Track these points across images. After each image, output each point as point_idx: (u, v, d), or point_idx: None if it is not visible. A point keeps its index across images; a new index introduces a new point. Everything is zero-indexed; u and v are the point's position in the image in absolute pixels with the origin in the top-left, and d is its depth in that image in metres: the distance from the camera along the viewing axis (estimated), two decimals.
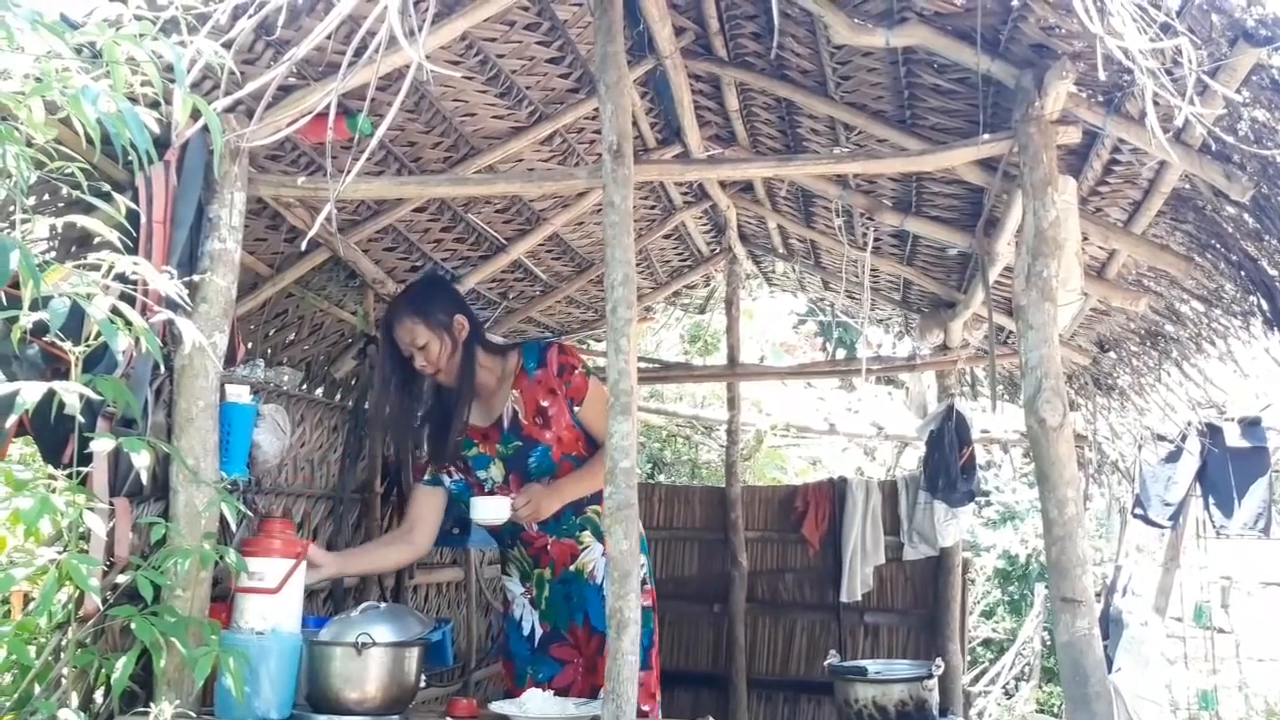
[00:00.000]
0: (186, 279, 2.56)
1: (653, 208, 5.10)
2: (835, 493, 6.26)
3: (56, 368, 2.40)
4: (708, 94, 4.12)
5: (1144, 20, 2.15)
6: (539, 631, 3.39)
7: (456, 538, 4.37)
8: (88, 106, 1.94)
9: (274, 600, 2.71)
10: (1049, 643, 9.29)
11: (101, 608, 2.38)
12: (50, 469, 2.36)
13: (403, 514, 4.32)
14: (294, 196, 3.30)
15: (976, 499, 5.94)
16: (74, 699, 2.46)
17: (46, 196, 2.70)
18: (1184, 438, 6.56)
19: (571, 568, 3.33)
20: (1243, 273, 3.30)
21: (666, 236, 5.47)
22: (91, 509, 2.21)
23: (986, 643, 10.37)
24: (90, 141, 2.05)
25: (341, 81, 2.22)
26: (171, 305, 2.39)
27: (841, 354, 12.31)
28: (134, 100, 2.13)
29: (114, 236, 2.21)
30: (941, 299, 5.09)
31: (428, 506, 3.41)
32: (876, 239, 4.65)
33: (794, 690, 6.21)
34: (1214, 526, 6.91)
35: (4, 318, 2.09)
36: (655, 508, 6.50)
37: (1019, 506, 11.07)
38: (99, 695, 2.57)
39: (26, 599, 3.01)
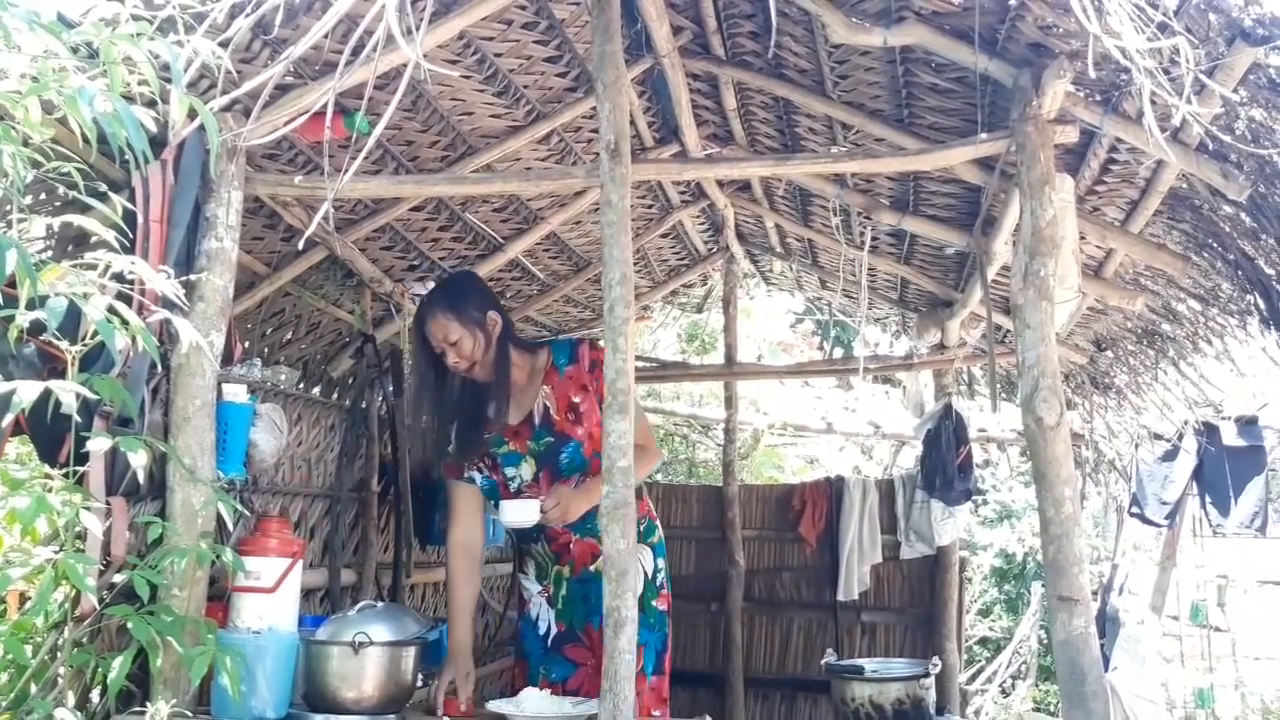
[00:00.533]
0: (183, 278, 2.55)
1: (650, 207, 5.10)
2: (832, 491, 6.27)
3: (53, 367, 2.40)
4: (705, 93, 4.12)
5: (1141, 19, 2.15)
6: (554, 630, 3.37)
7: None
8: (84, 106, 1.94)
9: (270, 599, 2.71)
10: (1045, 641, 9.29)
11: (98, 607, 2.37)
12: (47, 468, 2.36)
13: (402, 508, 4.35)
14: (291, 195, 3.29)
15: (973, 498, 5.95)
16: (70, 698, 2.46)
17: (43, 196, 2.70)
18: (1181, 436, 6.57)
19: (591, 568, 3.31)
20: (1240, 272, 3.30)
21: (664, 235, 5.47)
22: (88, 508, 2.21)
23: (983, 641, 10.37)
24: (87, 141, 2.05)
25: (339, 80, 2.22)
26: (168, 304, 2.39)
27: (839, 353, 12.32)
28: (130, 99, 2.13)
29: (111, 236, 2.20)
30: (939, 298, 5.09)
31: (473, 504, 3.37)
32: (874, 238, 4.66)
33: (791, 689, 6.22)
34: (1210, 525, 6.92)
35: (0, 317, 2.09)
36: (653, 507, 6.49)
37: (1015, 505, 11.06)
38: (95, 694, 2.56)
39: (22, 598, 3.01)
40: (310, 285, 4.02)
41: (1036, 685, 9.35)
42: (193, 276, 2.67)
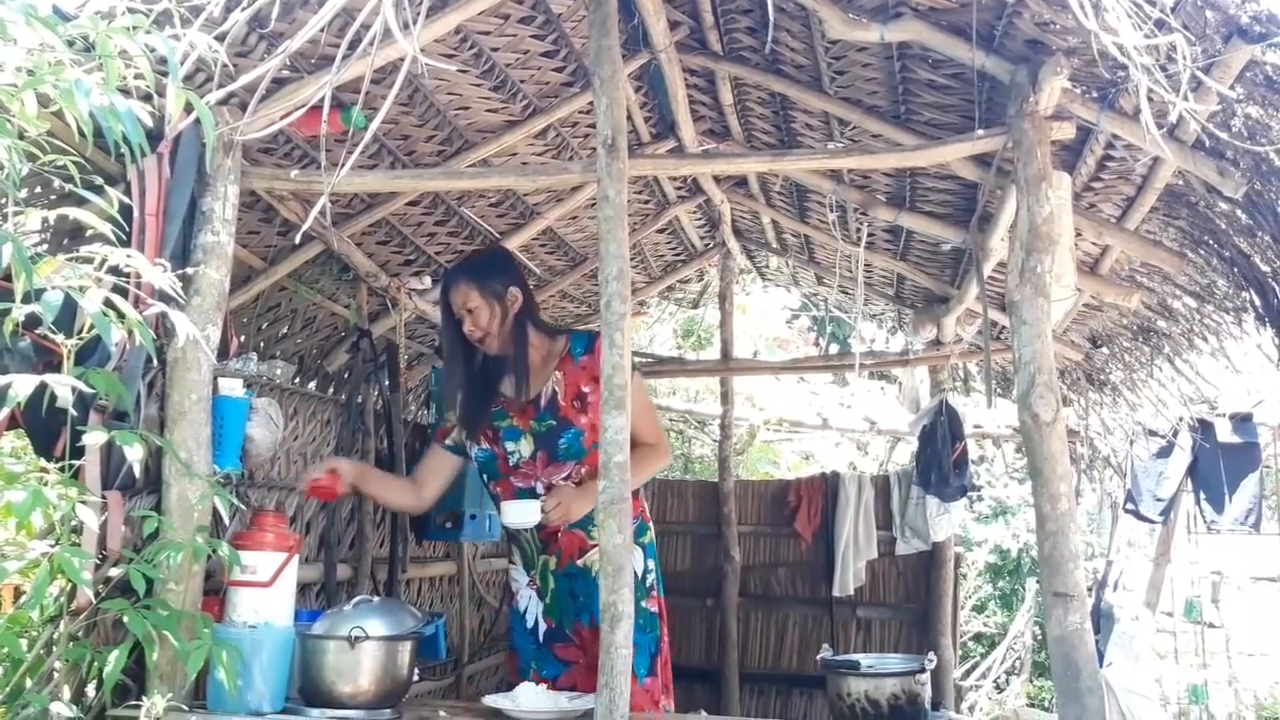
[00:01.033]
0: (179, 272, 2.55)
1: (646, 202, 5.10)
2: (828, 487, 6.28)
3: (48, 360, 2.39)
4: (702, 88, 4.12)
5: (1138, 16, 2.15)
6: (543, 626, 3.37)
7: (450, 531, 4.38)
8: (80, 100, 1.93)
9: (266, 594, 2.71)
10: (1040, 637, 9.31)
11: (94, 601, 2.37)
12: (42, 462, 2.36)
13: (393, 512, 4.34)
14: (287, 190, 3.29)
15: (968, 494, 5.96)
16: (66, 692, 2.46)
17: (38, 189, 2.69)
18: (1175, 433, 6.59)
19: (579, 562, 3.31)
20: (1235, 269, 3.31)
21: (660, 231, 5.47)
22: (84, 502, 2.20)
23: (977, 637, 10.39)
24: (83, 134, 2.04)
25: (336, 74, 2.22)
26: (165, 298, 2.38)
27: (835, 349, 12.33)
28: (126, 93, 2.13)
29: (107, 229, 2.20)
30: (935, 294, 5.10)
31: (440, 468, 3.50)
32: (870, 234, 4.66)
33: (786, 684, 6.23)
34: (1205, 522, 6.94)
35: None
36: (649, 502, 6.49)
37: (1010, 501, 11.08)
38: (91, 689, 2.56)
39: (17, 592, 3.01)
40: (306, 280, 4.02)
41: (1031, 681, 9.38)
42: (189, 270, 2.67)
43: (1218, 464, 6.57)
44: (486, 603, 5.54)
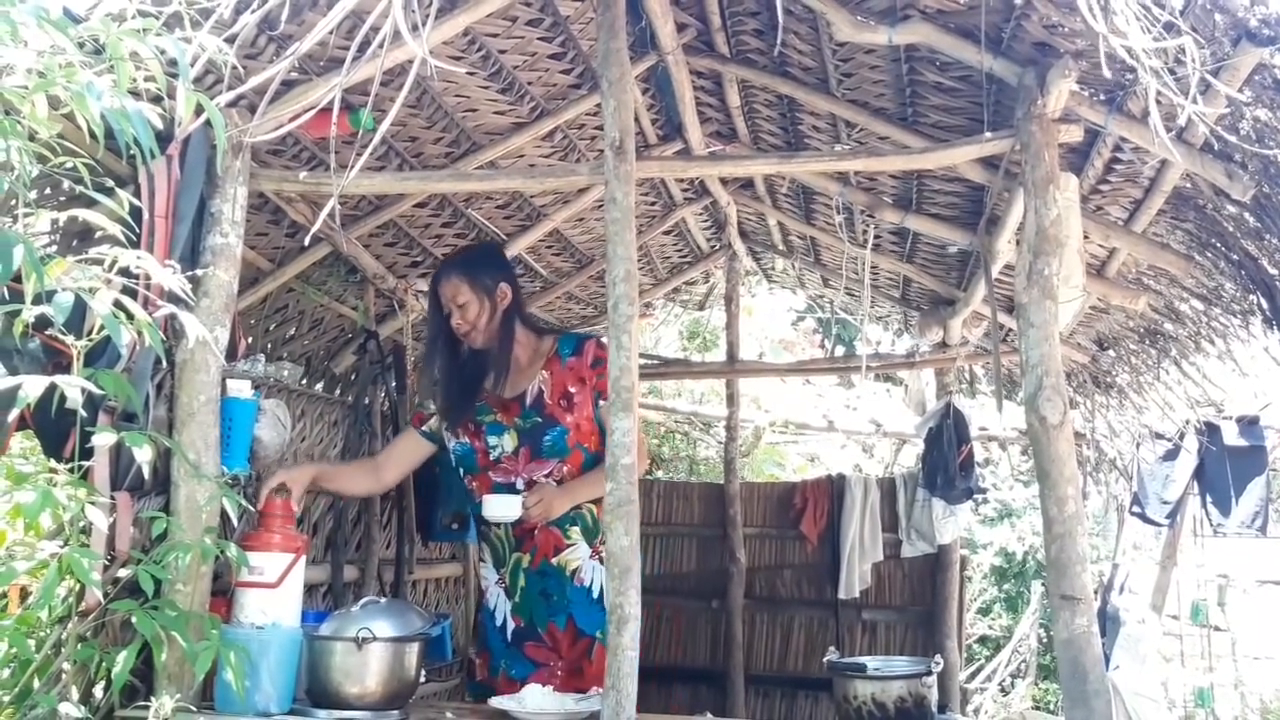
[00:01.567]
0: (189, 273, 2.55)
1: (653, 204, 5.10)
2: (834, 490, 6.27)
3: (58, 362, 2.40)
4: (709, 90, 4.12)
5: (1147, 19, 2.15)
6: (511, 624, 3.36)
7: (455, 533, 4.38)
8: (92, 103, 1.94)
9: (274, 595, 2.72)
10: (1045, 640, 9.31)
11: (103, 601, 2.38)
12: (51, 463, 2.36)
13: (404, 504, 4.35)
14: (295, 191, 3.30)
15: (974, 496, 5.95)
16: (74, 693, 2.46)
17: (48, 190, 2.70)
18: (1182, 436, 6.58)
19: (553, 561, 3.31)
20: (1243, 272, 3.30)
21: (667, 233, 5.48)
22: (93, 503, 2.21)
23: (983, 640, 10.38)
24: (93, 136, 2.05)
25: (345, 77, 2.22)
26: (174, 299, 2.39)
27: (840, 351, 12.32)
28: (137, 95, 2.13)
29: (117, 230, 2.20)
30: (941, 296, 5.09)
31: (408, 452, 3.53)
32: (877, 236, 4.65)
33: (791, 686, 6.22)
34: (1211, 525, 6.92)
35: (6, 312, 2.09)
36: (654, 504, 6.51)
37: (1016, 504, 11.07)
38: (99, 689, 2.57)
39: (24, 593, 3.02)
40: (314, 281, 4.03)
41: (1036, 684, 9.37)
42: (198, 272, 2.68)
43: (1224, 467, 6.56)
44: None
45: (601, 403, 3.30)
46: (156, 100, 2.25)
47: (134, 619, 2.31)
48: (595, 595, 3.29)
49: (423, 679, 2.88)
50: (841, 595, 6.11)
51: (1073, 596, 2.58)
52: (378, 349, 4.27)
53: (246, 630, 2.66)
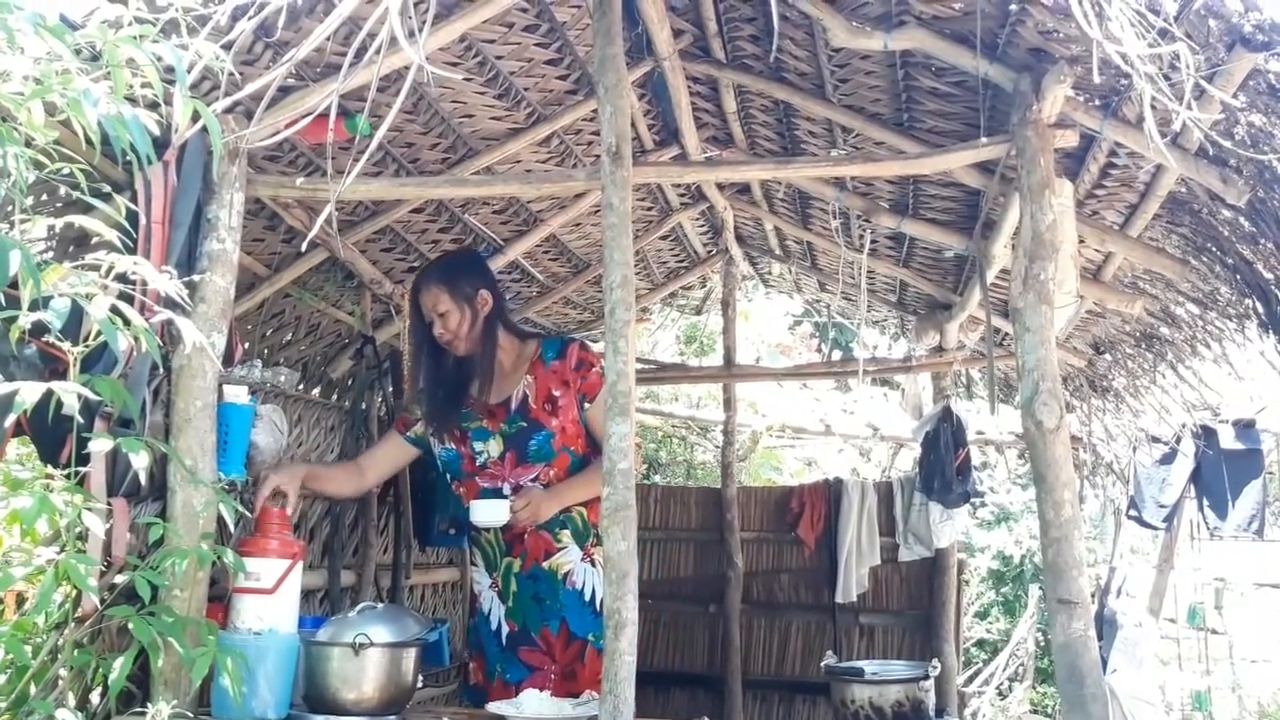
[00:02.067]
0: (185, 279, 2.56)
1: (650, 209, 5.11)
2: (831, 494, 6.27)
3: (54, 368, 2.40)
4: (705, 96, 4.13)
5: (1142, 25, 2.16)
6: (506, 629, 3.37)
7: (452, 538, 4.38)
8: (88, 109, 1.94)
9: (270, 600, 2.71)
10: (1042, 643, 9.32)
11: (99, 607, 2.38)
12: (48, 469, 2.36)
13: (401, 509, 4.35)
14: (292, 197, 3.30)
15: (971, 500, 5.95)
16: (71, 699, 2.46)
17: (45, 197, 2.70)
18: (1178, 440, 6.59)
19: (544, 564, 3.32)
20: (1238, 276, 3.31)
21: (663, 238, 5.48)
22: (89, 509, 2.21)
23: (980, 643, 10.39)
24: (90, 143, 2.05)
25: (341, 83, 2.22)
26: (171, 305, 2.39)
27: (837, 355, 12.33)
28: (133, 101, 2.13)
29: (113, 236, 2.21)
30: (937, 301, 5.10)
31: (391, 455, 3.55)
32: (873, 241, 4.66)
33: (789, 691, 6.21)
34: (1208, 528, 6.94)
35: (2, 318, 2.09)
36: (651, 508, 6.51)
37: (1013, 508, 11.09)
38: (96, 695, 2.56)
39: (20, 599, 3.01)
40: (310, 287, 4.03)
41: (1033, 687, 9.38)
42: (194, 277, 2.68)
43: (1221, 470, 6.57)
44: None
45: (586, 405, 3.31)
46: (153, 106, 2.25)
47: (131, 625, 2.31)
48: (588, 599, 3.30)
49: (420, 684, 2.88)
50: (839, 599, 6.11)
51: (1069, 600, 2.59)
52: (374, 354, 4.27)
53: (243, 636, 2.66)
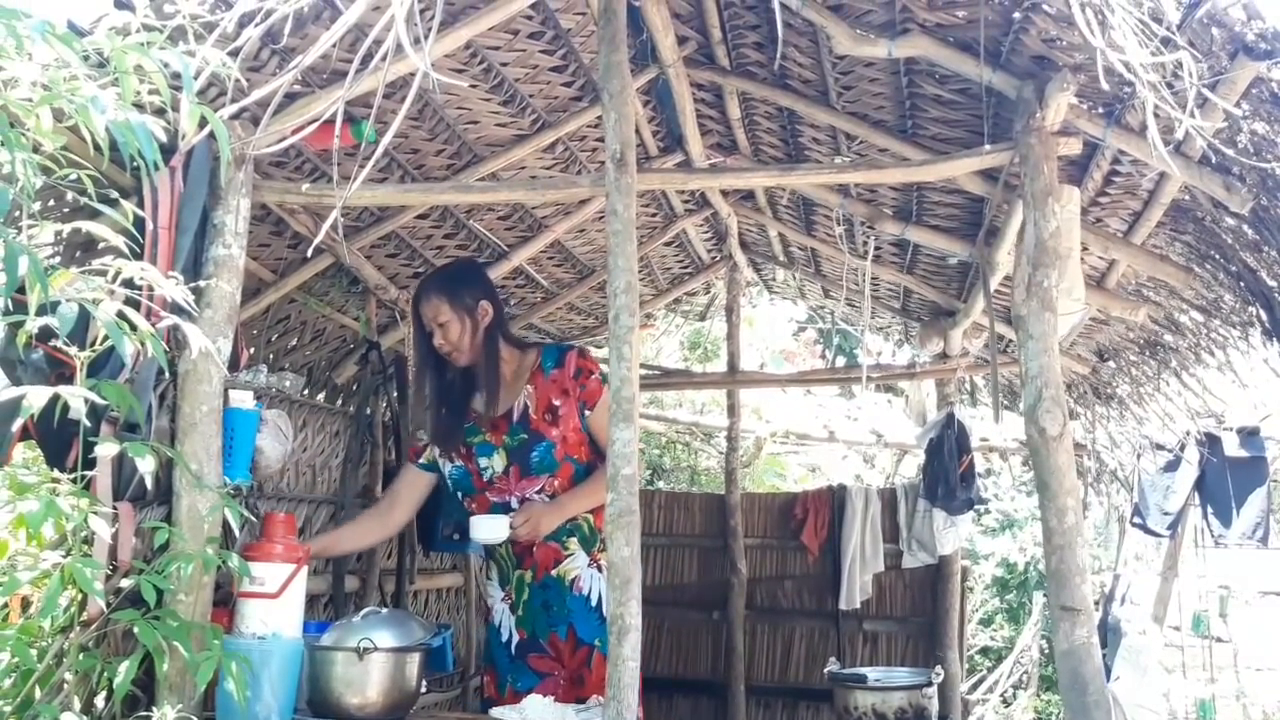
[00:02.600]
0: (192, 284, 2.57)
1: (654, 215, 5.12)
2: (835, 500, 6.27)
3: (61, 373, 2.41)
4: (710, 103, 4.14)
5: (1145, 34, 2.17)
6: (515, 638, 3.38)
7: (457, 543, 4.37)
8: (96, 115, 1.95)
9: (275, 605, 2.72)
10: (1047, 651, 9.29)
11: (105, 611, 2.38)
12: (54, 473, 2.37)
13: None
14: (298, 203, 3.31)
15: (975, 507, 5.95)
16: (76, 703, 2.46)
17: (52, 202, 2.71)
18: (1183, 447, 6.58)
19: (554, 573, 3.32)
20: (1242, 283, 3.31)
21: (667, 244, 5.49)
22: (95, 513, 2.22)
23: (985, 651, 10.37)
24: (98, 149, 2.06)
25: (348, 90, 2.23)
26: (177, 310, 2.40)
27: (841, 361, 12.31)
28: (141, 108, 2.15)
29: (120, 242, 2.22)
30: (941, 307, 5.10)
31: (413, 488, 3.50)
32: (877, 247, 4.67)
33: (793, 697, 6.21)
34: (1212, 536, 6.93)
35: (9, 323, 2.10)
36: (655, 514, 6.51)
37: (1018, 515, 11.07)
38: (101, 699, 2.57)
39: (25, 603, 3.02)
40: (316, 292, 4.04)
41: (1038, 695, 9.36)
42: (201, 283, 2.69)
43: (1225, 478, 6.57)
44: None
45: (587, 412, 3.30)
46: (160, 113, 2.27)
47: (136, 629, 2.32)
48: (593, 604, 3.30)
49: (423, 689, 2.88)
50: (843, 606, 6.10)
51: (1073, 608, 2.59)
52: (379, 359, 4.28)
53: (248, 640, 2.67)
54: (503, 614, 3.41)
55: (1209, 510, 6.71)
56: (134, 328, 2.13)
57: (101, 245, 2.41)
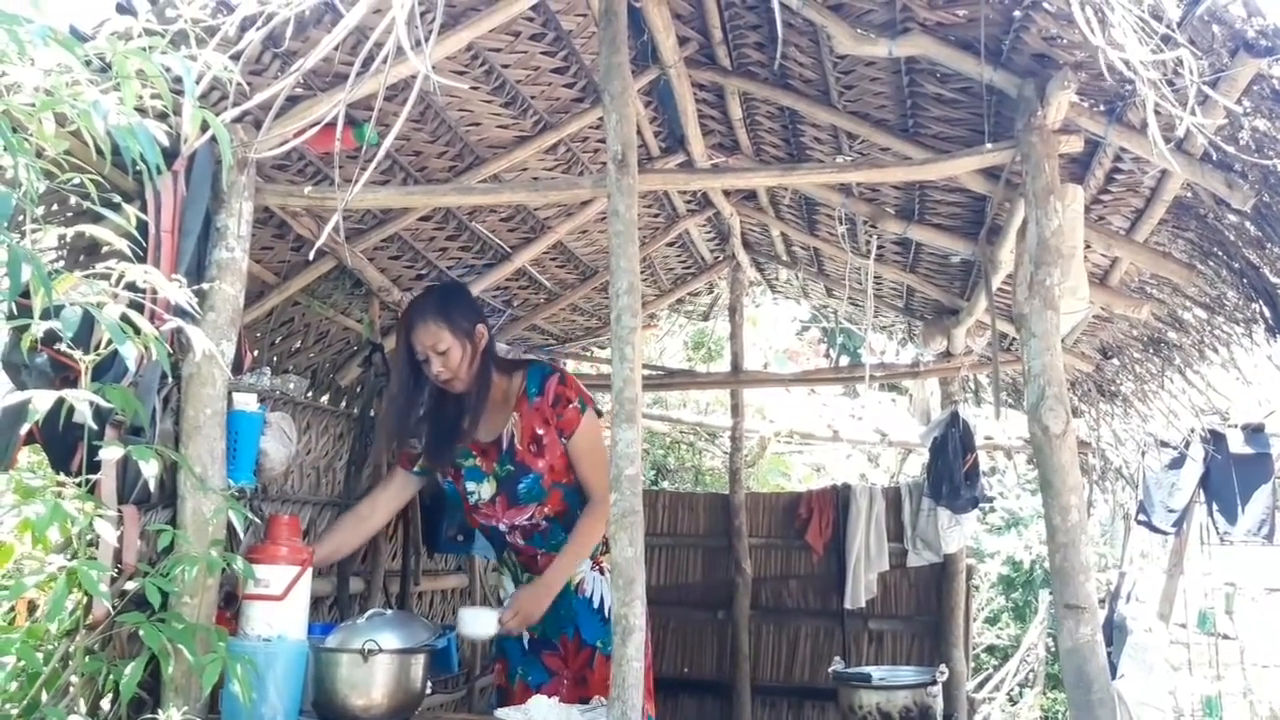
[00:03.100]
0: (195, 287, 2.57)
1: (656, 215, 5.12)
2: (839, 499, 6.27)
3: (65, 376, 2.41)
4: (711, 103, 4.14)
5: (1145, 31, 2.17)
6: (526, 635, 3.39)
7: (460, 545, 4.39)
8: (98, 120, 1.96)
9: (280, 607, 2.73)
10: (1053, 649, 9.28)
11: (110, 614, 2.39)
12: (59, 477, 2.38)
13: (410, 516, 4.36)
14: (300, 206, 3.32)
15: (980, 505, 5.95)
16: (82, 705, 2.47)
17: (55, 207, 2.72)
18: (1187, 444, 6.59)
19: None
20: (1245, 280, 3.31)
21: (670, 244, 5.49)
22: (100, 516, 2.22)
23: (990, 649, 10.36)
24: (100, 153, 2.07)
25: (349, 93, 2.24)
26: (180, 313, 2.40)
27: (845, 361, 12.32)
28: (143, 112, 2.15)
29: (123, 246, 2.22)
30: (944, 306, 5.10)
31: (398, 495, 3.48)
32: (879, 246, 4.67)
33: (798, 697, 6.21)
34: (1218, 533, 6.93)
35: (14, 327, 2.11)
36: (659, 514, 6.51)
37: (1023, 513, 11.06)
38: (106, 702, 2.57)
39: (32, 606, 3.03)
40: (319, 294, 4.04)
41: (1044, 693, 9.35)
42: (204, 286, 2.70)
43: (1230, 475, 6.57)
44: None
45: (564, 441, 3.27)
46: (162, 117, 2.27)
47: (141, 631, 2.32)
48: (596, 606, 3.32)
49: (429, 691, 2.88)
50: (847, 605, 6.10)
51: (1077, 605, 2.59)
52: (383, 361, 4.29)
53: (253, 642, 2.67)
54: None
55: (1214, 507, 6.72)
56: (138, 331, 2.14)
57: (105, 249, 2.41)
